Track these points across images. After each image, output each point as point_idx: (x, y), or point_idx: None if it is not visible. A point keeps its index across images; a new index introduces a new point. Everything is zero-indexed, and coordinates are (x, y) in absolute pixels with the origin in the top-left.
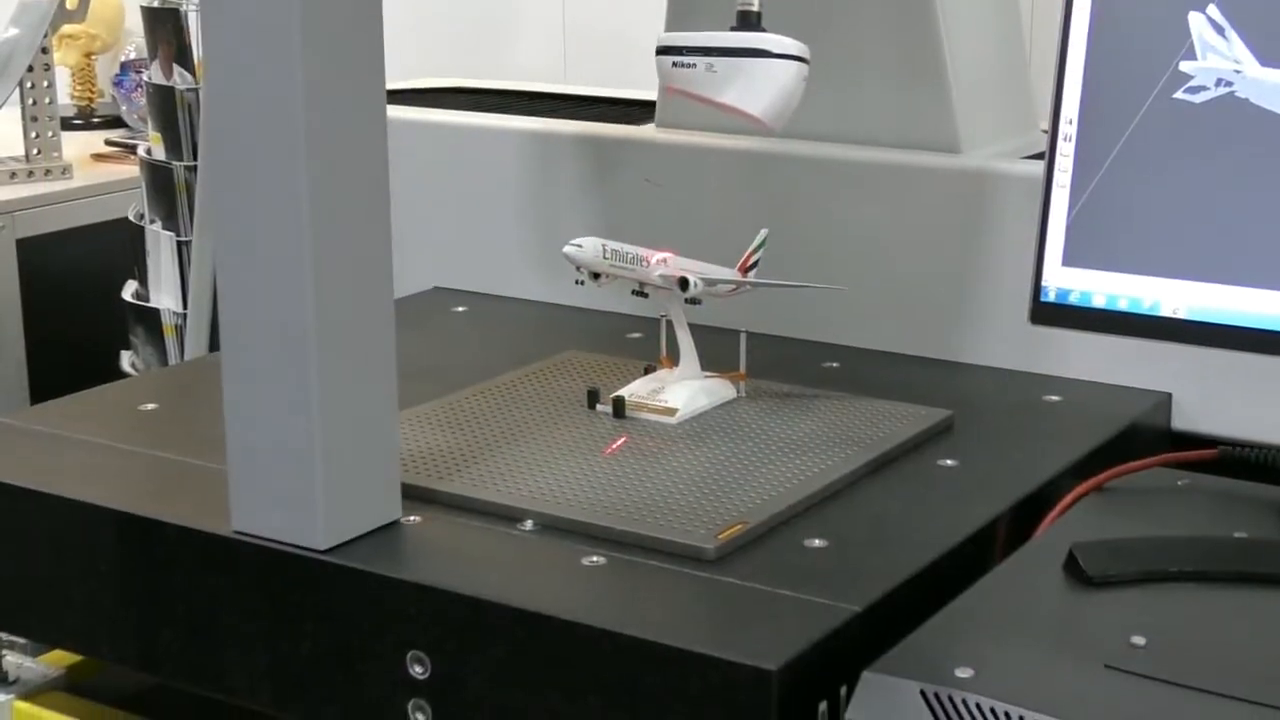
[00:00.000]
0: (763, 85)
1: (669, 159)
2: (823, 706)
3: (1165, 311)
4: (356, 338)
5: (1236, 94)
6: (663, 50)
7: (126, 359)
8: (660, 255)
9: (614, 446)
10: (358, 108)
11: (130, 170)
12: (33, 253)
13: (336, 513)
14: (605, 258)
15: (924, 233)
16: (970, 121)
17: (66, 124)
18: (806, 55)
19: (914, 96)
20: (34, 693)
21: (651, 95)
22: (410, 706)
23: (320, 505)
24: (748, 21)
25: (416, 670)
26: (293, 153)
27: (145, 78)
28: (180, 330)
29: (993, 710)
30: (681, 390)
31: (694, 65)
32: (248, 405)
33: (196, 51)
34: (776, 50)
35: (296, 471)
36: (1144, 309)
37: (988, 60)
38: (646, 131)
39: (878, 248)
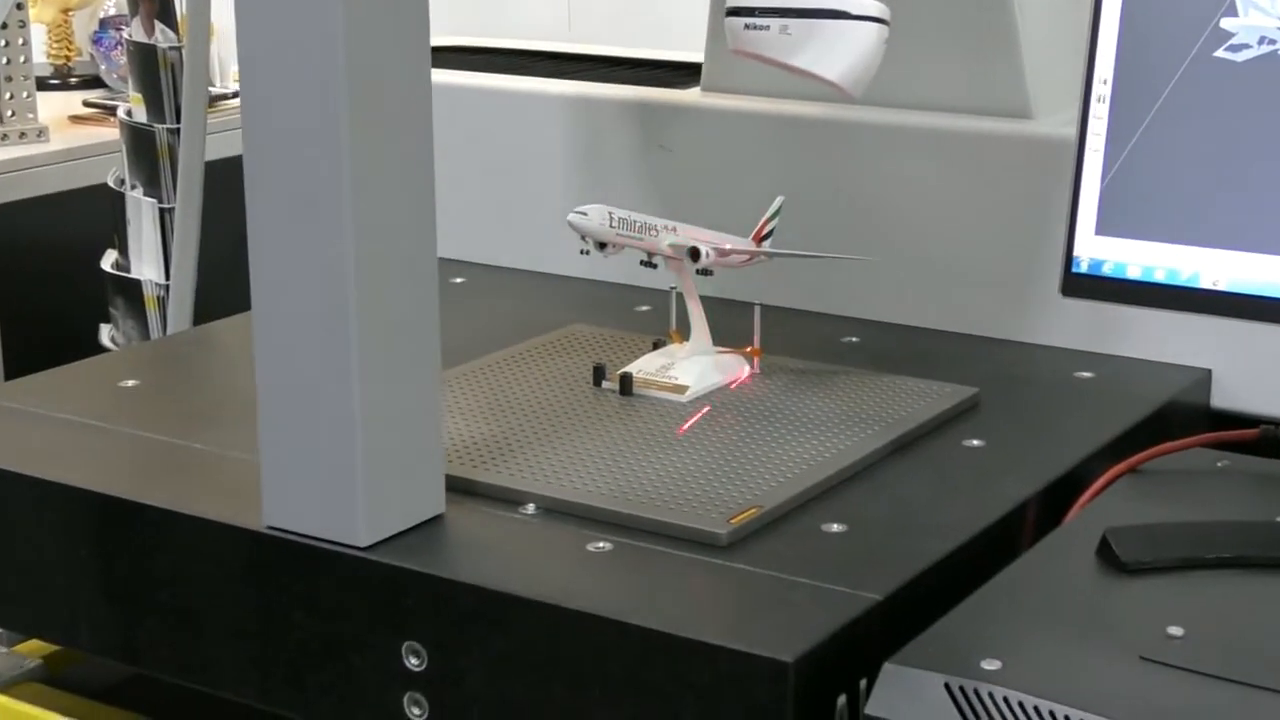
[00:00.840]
0: (841, 48)
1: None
2: (841, 700)
3: (1204, 283)
4: (400, 320)
5: None
6: (733, 11)
7: (106, 333)
8: (670, 224)
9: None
10: (403, 73)
11: (110, 133)
12: (6, 220)
13: (378, 507)
14: (612, 226)
15: (963, 202)
16: (1040, 86)
17: (42, 84)
18: (887, 16)
19: (983, 60)
20: (9, 685)
21: (673, 55)
22: (406, 700)
23: (361, 500)
24: None
25: (412, 662)
26: (334, 120)
27: (126, 35)
28: (163, 302)
29: (1021, 704)
30: (692, 366)
31: (767, 27)
32: (283, 397)
33: (180, 7)
34: (855, 11)
35: (336, 464)
36: (1182, 280)
37: (1059, 22)
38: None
39: (909, 217)
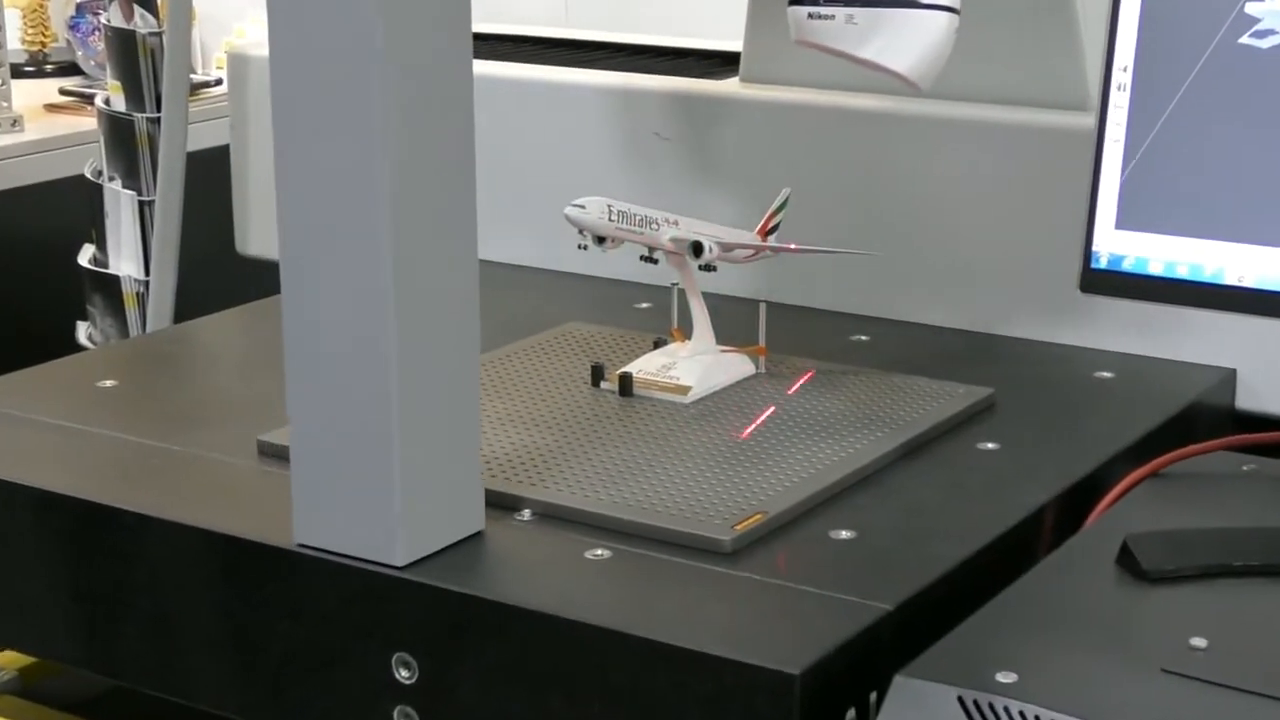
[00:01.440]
0: (909, 39)
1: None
2: (851, 714)
3: (1229, 280)
4: (440, 327)
5: None
6: None
7: (83, 331)
8: (671, 217)
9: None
10: (442, 66)
11: (87, 122)
12: None
13: (416, 525)
14: (611, 219)
15: (981, 195)
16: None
17: (16, 71)
18: (958, 4)
19: (1043, 50)
20: None
21: (685, 43)
22: (395, 715)
23: (399, 518)
24: None
25: (402, 674)
26: (371, 118)
27: (103, 20)
28: (142, 299)
29: (1037, 719)
30: (695, 366)
31: (832, 16)
32: (316, 407)
33: None
34: None
35: (372, 480)
36: (1205, 277)
37: None
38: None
39: (926, 211)
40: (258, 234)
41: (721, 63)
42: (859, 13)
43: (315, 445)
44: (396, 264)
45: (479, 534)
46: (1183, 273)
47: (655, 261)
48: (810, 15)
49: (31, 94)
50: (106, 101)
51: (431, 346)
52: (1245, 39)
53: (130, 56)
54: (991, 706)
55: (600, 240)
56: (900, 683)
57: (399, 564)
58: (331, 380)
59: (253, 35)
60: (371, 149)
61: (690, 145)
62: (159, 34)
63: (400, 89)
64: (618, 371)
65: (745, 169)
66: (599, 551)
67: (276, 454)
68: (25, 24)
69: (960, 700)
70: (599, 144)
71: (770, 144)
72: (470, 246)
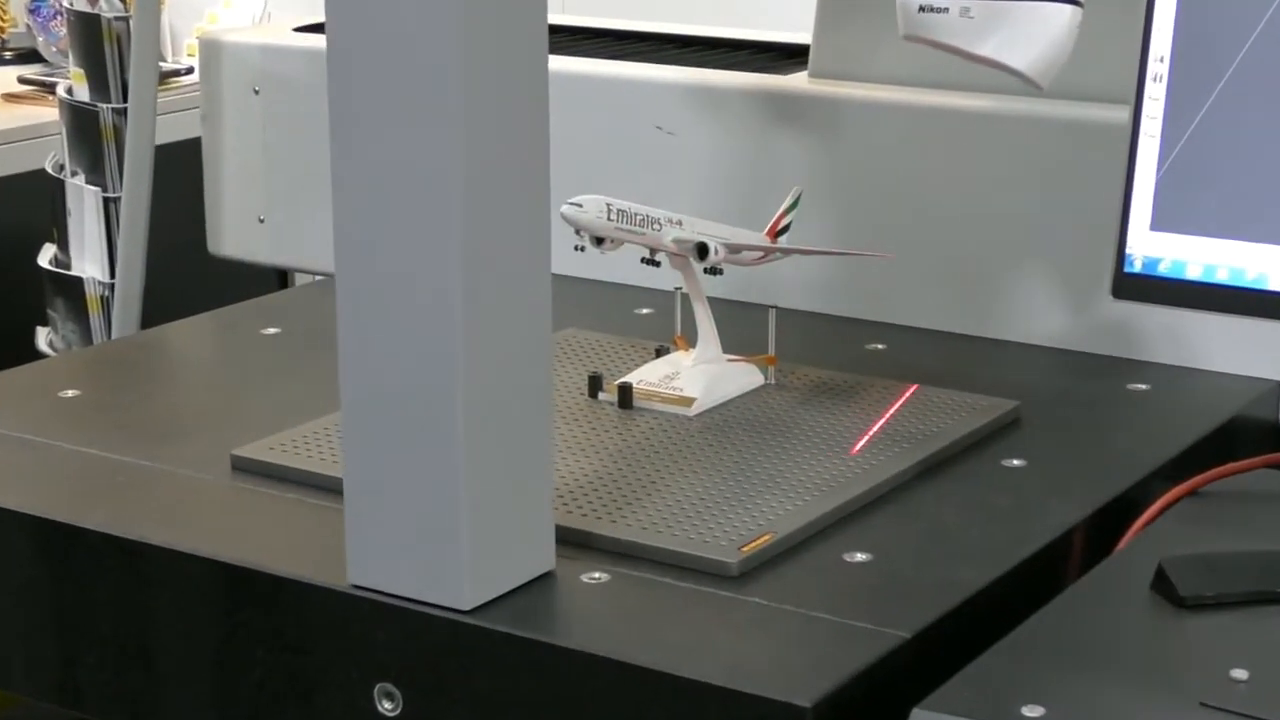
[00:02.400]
0: (1030, 34)
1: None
2: None
3: (1273, 284)
4: (510, 352)
5: None
6: None
7: (43, 337)
8: (674, 216)
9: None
10: (519, 63)
11: (48, 113)
12: None
13: (484, 566)
14: (610, 219)
15: (1013, 194)
16: None
17: None
18: None
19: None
20: None
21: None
22: None
23: (465, 558)
24: None
25: (386, 706)
26: (445, 118)
27: (66, 3)
28: (107, 303)
29: None
30: (699, 376)
31: (945, 10)
32: (373, 439)
33: None
34: None
35: (436, 517)
36: (1247, 281)
37: None
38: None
39: (955, 211)
40: (231, 233)
41: (724, 49)
42: (975, 6)
43: (373, 479)
44: (467, 277)
45: (549, 574)
46: (1223, 277)
47: (657, 264)
48: (921, 9)
49: None
50: (69, 91)
51: (502, 371)
52: None
53: (94, 42)
54: None
55: (599, 241)
56: (919, 716)
57: (465, 608)
58: (391, 410)
59: (226, 20)
60: (445, 147)
61: (695, 140)
62: (125, 18)
63: (478, 87)
64: (617, 382)
65: (756, 166)
66: (596, 574)
67: (252, 469)
68: None
69: None
70: (597, 139)
71: (777, 139)
72: (544, 259)
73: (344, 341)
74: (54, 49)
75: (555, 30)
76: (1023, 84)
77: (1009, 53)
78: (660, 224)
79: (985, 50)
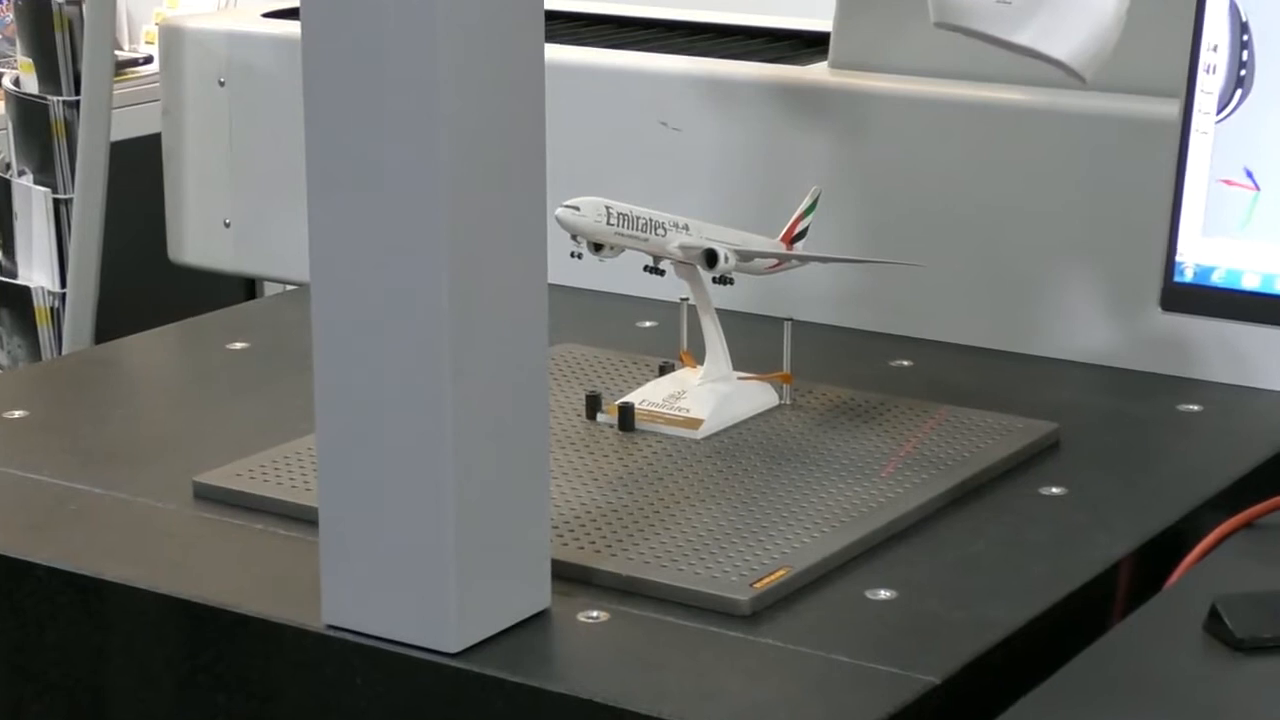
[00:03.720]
0: (1072, 21)
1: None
2: None
3: None
4: (502, 369)
5: None
6: None
7: None
8: (680, 220)
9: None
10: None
11: None
12: None
13: (473, 604)
14: (610, 223)
15: (1058, 197)
16: None
17: None
18: None
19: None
20: None
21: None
22: None
23: (453, 596)
24: None
25: None
26: (431, 113)
27: None
28: (57, 315)
29: None
30: (708, 396)
31: None
32: (352, 464)
33: None
34: None
35: (421, 551)
36: None
37: None
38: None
39: (991, 216)
40: (194, 239)
41: (736, 38)
42: None
43: (351, 510)
44: (454, 287)
45: (545, 613)
46: None
47: (661, 273)
48: None
49: None
50: (16, 82)
51: (493, 390)
52: None
53: (44, 29)
54: None
55: (597, 247)
56: None
57: (452, 650)
58: (371, 430)
59: (188, 4)
60: (431, 145)
61: (704, 137)
62: (78, 3)
63: (468, 80)
64: (617, 402)
65: (770, 165)
66: (595, 613)
67: (216, 497)
68: None
69: None
70: (596, 136)
71: (793, 135)
72: (539, 268)
73: (319, 357)
74: (0, 37)
75: (551, 16)
76: (1064, 76)
77: (1049, 42)
78: (665, 229)
79: (1023, 39)
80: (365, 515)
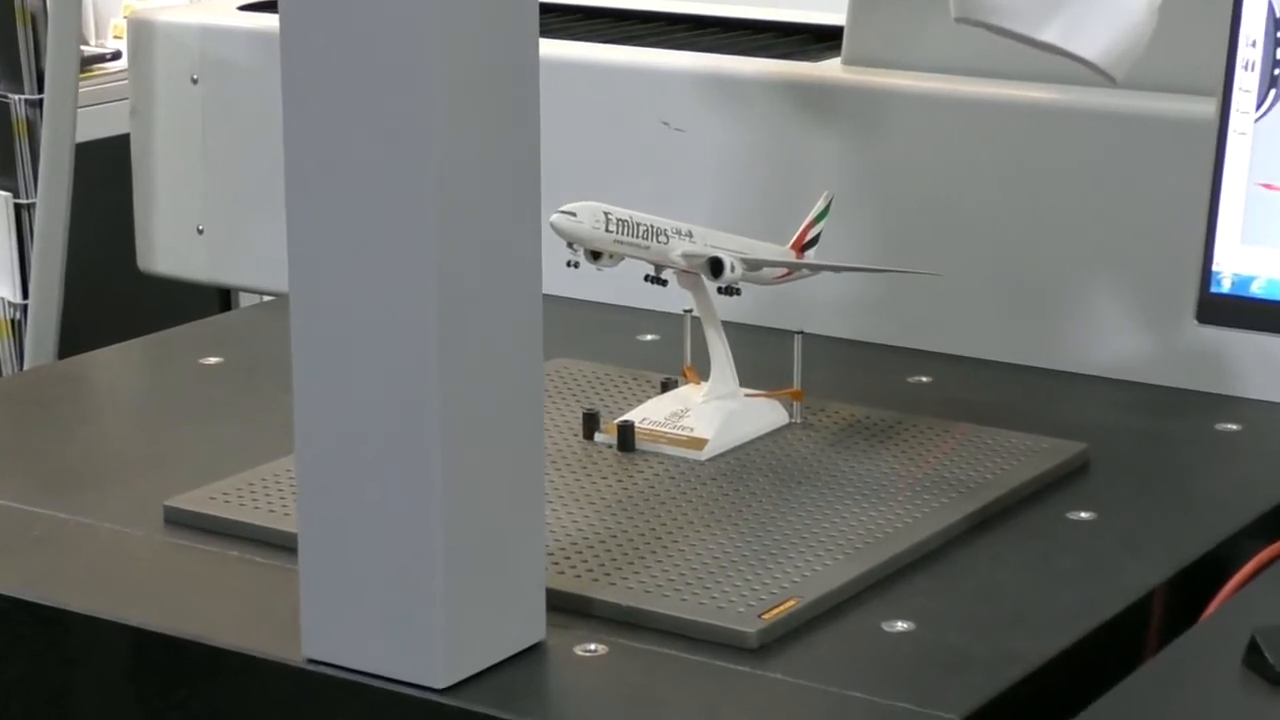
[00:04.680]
0: (1100, 18)
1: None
2: None
3: None
4: (494, 386)
5: None
6: None
7: None
8: (683, 226)
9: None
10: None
11: None
12: None
13: (462, 637)
14: (608, 230)
15: (1079, 199)
16: None
17: None
18: None
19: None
20: None
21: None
22: None
23: (441, 629)
24: None
25: None
26: (419, 113)
27: None
28: (19, 327)
29: None
30: (713, 414)
31: None
32: (334, 488)
33: None
34: None
35: (408, 580)
36: None
37: None
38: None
39: (1009, 220)
40: (164, 246)
41: (743, 32)
42: None
43: (333, 536)
44: (443, 298)
45: (539, 645)
46: None
47: (664, 283)
48: None
49: None
50: None
51: (484, 408)
52: None
53: (5, 23)
54: None
55: (595, 256)
56: None
57: (439, 686)
58: (352, 454)
59: None
60: (418, 146)
61: (708, 138)
62: None
63: (457, 76)
64: (616, 421)
65: (779, 168)
66: (593, 646)
67: (189, 522)
68: None
69: None
70: (593, 137)
71: (805, 136)
72: (533, 277)
73: (299, 374)
74: None
75: (545, 9)
76: (1092, 74)
77: (1076, 39)
78: (667, 236)
79: (1049, 36)
80: (348, 542)
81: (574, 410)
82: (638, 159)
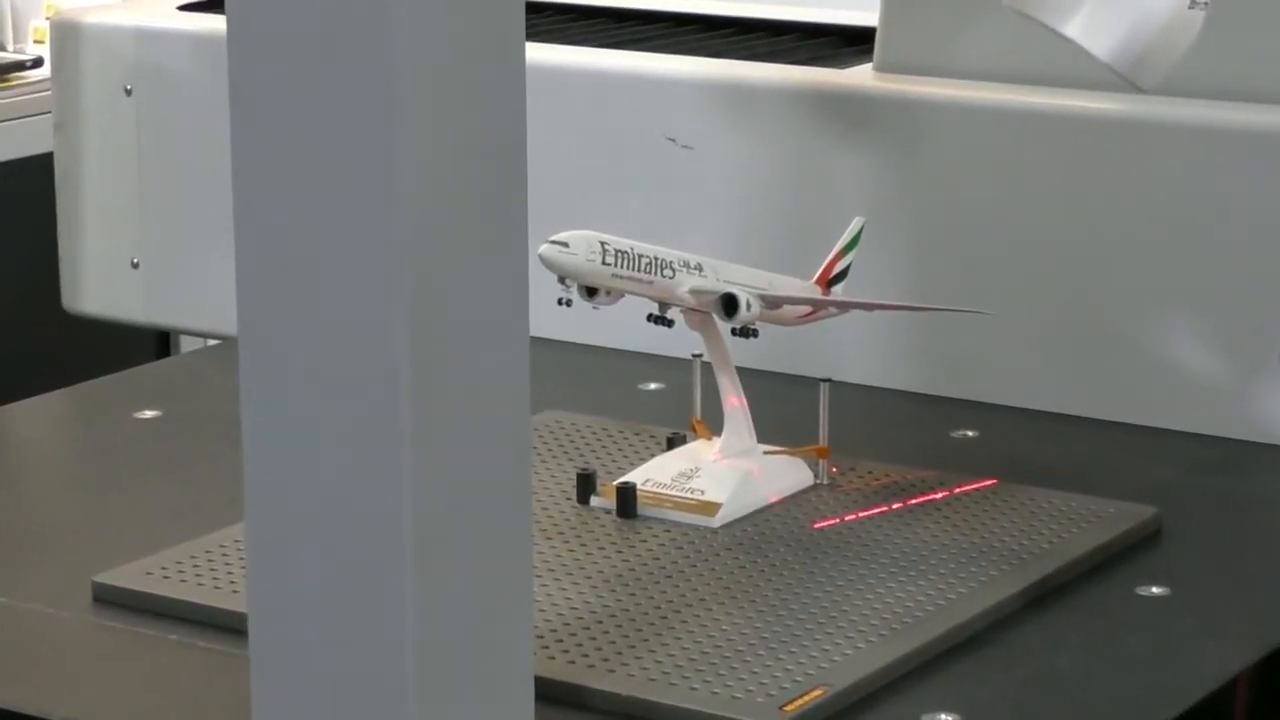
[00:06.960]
0: (1119, 15)
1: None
2: None
3: None
4: (474, 444)
5: None
6: None
7: None
8: (692, 259)
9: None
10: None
11: None
12: None
13: None
14: (605, 262)
15: (1146, 226)
16: None
17: None
18: None
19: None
20: None
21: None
22: None
23: None
24: None
25: None
26: (387, 125)
27: None
28: None
29: None
30: (726, 475)
31: None
32: (289, 561)
33: None
34: None
35: (375, 672)
36: None
37: None
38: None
39: (1066, 251)
40: (94, 282)
41: (760, 34)
42: None
43: (287, 619)
44: (416, 341)
45: None
46: None
47: (670, 323)
48: None
49: None
50: None
51: (463, 470)
52: None
53: None
54: None
55: (591, 292)
56: None
57: None
58: (315, 521)
59: None
60: (386, 164)
61: (721, 156)
62: None
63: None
64: (616, 482)
65: (802, 191)
66: None
67: (122, 601)
68: None
69: None
70: (589, 155)
71: (831, 154)
72: (519, 317)
73: (249, 429)
74: None
75: (535, 8)
76: (1120, 80)
77: (1091, 36)
78: (673, 269)
79: (1071, 30)
80: (306, 624)
81: (567, 471)
82: (639, 181)
